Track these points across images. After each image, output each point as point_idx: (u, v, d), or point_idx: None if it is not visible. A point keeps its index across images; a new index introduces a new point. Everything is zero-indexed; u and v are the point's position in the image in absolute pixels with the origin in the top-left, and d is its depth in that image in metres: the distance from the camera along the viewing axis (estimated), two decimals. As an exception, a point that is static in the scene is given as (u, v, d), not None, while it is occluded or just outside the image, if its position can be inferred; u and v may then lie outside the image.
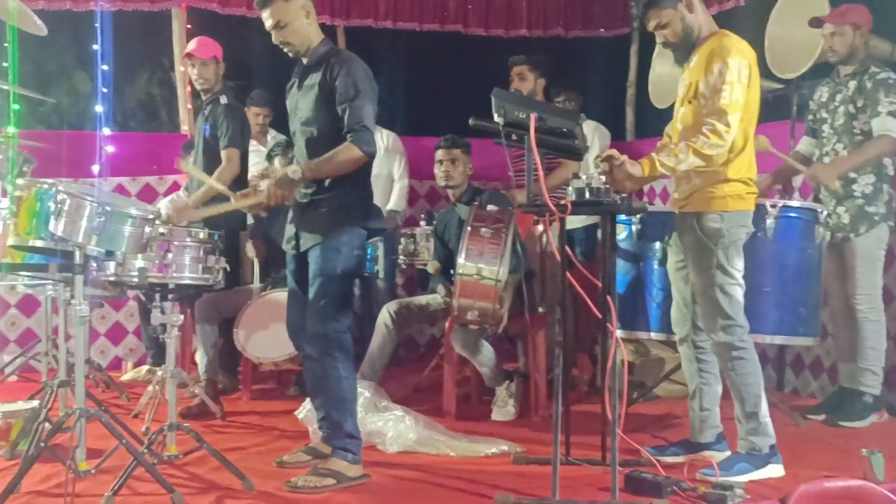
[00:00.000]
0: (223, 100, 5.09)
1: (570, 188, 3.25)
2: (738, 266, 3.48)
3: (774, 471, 3.52)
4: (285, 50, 3.60)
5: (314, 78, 3.58)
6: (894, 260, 4.71)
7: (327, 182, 3.57)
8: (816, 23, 4.49)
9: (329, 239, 3.53)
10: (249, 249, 5.23)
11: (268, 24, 3.54)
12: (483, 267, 4.22)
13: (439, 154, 4.99)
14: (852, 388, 4.49)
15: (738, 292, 3.49)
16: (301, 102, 3.65)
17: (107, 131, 6.29)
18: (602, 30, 7.36)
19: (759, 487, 3.36)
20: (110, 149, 6.25)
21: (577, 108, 5.93)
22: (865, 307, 4.40)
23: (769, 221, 3.99)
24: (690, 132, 3.43)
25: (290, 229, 3.73)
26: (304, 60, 3.65)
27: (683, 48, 3.56)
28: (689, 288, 3.63)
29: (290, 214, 3.74)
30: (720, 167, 3.42)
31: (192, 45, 5.24)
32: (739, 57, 3.37)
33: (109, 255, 3.40)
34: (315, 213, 3.59)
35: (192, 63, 5.16)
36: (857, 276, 4.41)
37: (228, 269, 3.81)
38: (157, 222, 3.45)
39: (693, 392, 3.78)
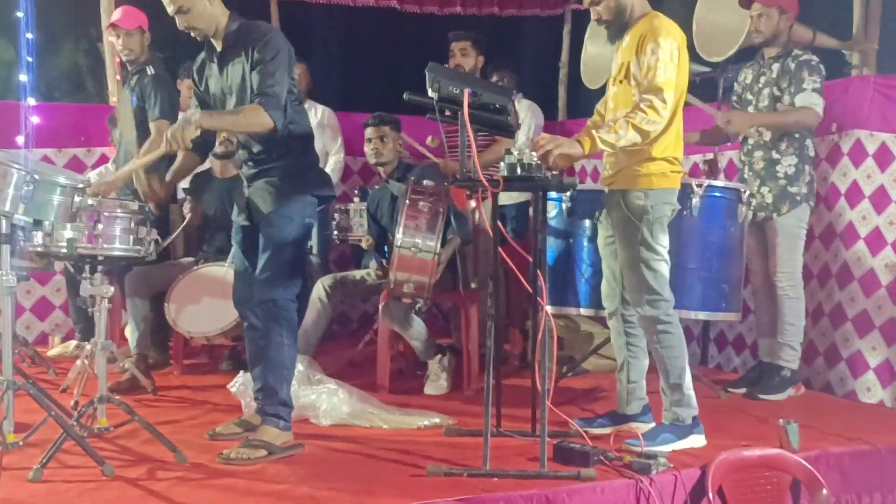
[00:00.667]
0: (150, 70, 5.00)
1: (501, 164, 3.30)
2: (662, 242, 3.57)
3: (696, 441, 3.64)
4: (192, 34, 3.55)
5: (237, 60, 3.53)
6: (814, 239, 4.89)
7: (275, 153, 3.60)
8: (746, 3, 4.60)
9: (281, 207, 3.56)
10: (186, 208, 5.17)
11: (169, 9, 3.47)
12: (420, 241, 4.27)
13: (368, 132, 5.00)
14: (771, 362, 4.65)
15: (664, 268, 3.58)
16: (228, 85, 3.59)
17: (32, 101, 6.13)
18: (538, 10, 7.41)
19: (682, 456, 3.47)
20: (35, 119, 6.10)
21: (513, 87, 5.98)
22: (786, 284, 4.54)
23: (695, 200, 4.10)
24: (621, 111, 3.51)
25: (241, 200, 3.73)
26: (217, 44, 3.59)
27: (616, 26, 3.62)
28: (618, 263, 3.71)
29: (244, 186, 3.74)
30: (645, 145, 3.50)
31: (116, 14, 5.13)
32: (671, 38, 3.45)
33: (37, 224, 3.33)
34: (266, 182, 3.61)
35: (117, 33, 5.06)
36: (779, 254, 4.55)
37: (160, 241, 3.77)
38: (87, 192, 3.41)
39: (621, 365, 3.88)
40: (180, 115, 3.36)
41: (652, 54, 3.42)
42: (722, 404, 4.46)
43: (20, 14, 5.91)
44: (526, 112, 5.88)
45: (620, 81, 3.61)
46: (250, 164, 3.68)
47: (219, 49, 3.60)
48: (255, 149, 3.63)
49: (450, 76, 3.23)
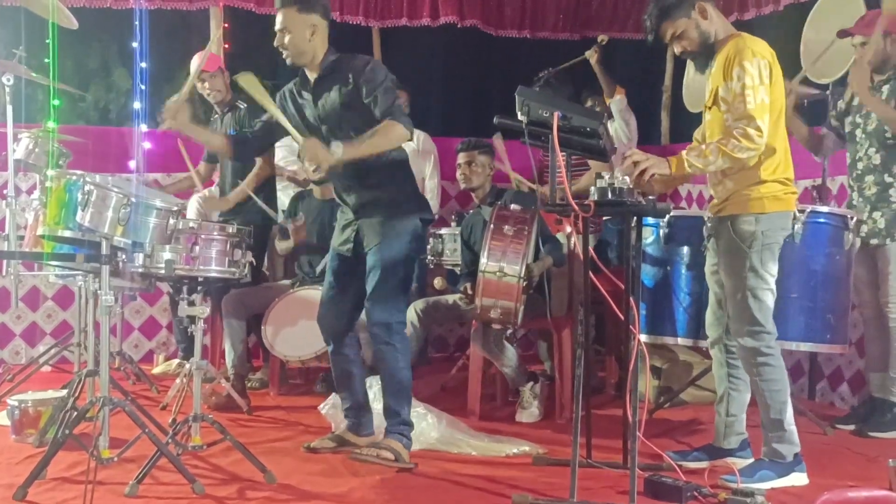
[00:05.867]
0: (241, 105, 5.10)
1: (592, 188, 3.24)
2: (771, 270, 3.44)
3: (798, 479, 3.48)
4: (286, 57, 3.65)
5: (333, 88, 3.63)
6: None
7: (384, 180, 3.71)
8: (844, 34, 4.42)
9: (391, 231, 3.68)
10: (291, 227, 5.27)
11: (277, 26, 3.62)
12: (505, 265, 4.23)
13: (459, 157, 5.05)
14: (883, 398, 4.41)
15: (770, 298, 3.44)
16: (323, 113, 3.69)
17: (144, 128, 6.37)
18: (639, 34, 7.29)
19: (781, 495, 3.33)
20: (147, 145, 6.34)
21: (607, 112, 5.91)
22: (898, 315, 4.32)
23: (797, 227, 3.92)
24: (716, 138, 3.42)
25: (348, 232, 3.82)
26: (311, 74, 3.68)
27: (703, 55, 3.54)
28: (723, 291, 3.59)
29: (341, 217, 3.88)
30: (751, 169, 3.40)
31: (197, 61, 5.11)
32: (757, 58, 3.33)
33: (138, 246, 3.45)
34: (377, 212, 3.71)
35: (203, 78, 5.16)
36: (891, 283, 4.32)
37: (254, 263, 3.85)
38: (186, 216, 3.51)
39: (721, 396, 3.74)
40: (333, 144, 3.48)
41: (738, 80, 3.31)
42: (828, 441, 4.25)
43: (135, 44, 6.16)
44: (622, 113, 5.82)
45: (710, 108, 3.53)
46: (359, 193, 3.75)
47: (313, 78, 3.68)
48: (366, 180, 3.71)
49: (539, 99, 3.20)
